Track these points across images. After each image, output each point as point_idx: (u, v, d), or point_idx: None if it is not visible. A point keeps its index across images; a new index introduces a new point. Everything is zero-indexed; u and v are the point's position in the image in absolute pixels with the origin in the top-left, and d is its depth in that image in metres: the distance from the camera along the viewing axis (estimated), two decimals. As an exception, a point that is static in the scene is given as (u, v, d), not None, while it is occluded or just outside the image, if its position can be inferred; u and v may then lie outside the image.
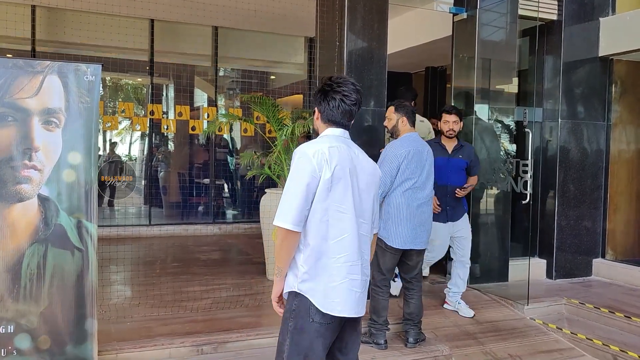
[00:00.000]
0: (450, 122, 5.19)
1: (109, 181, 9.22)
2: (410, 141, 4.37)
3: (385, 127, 4.72)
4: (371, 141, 5.33)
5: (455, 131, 5.21)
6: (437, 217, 4.96)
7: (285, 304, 2.65)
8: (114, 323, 4.50)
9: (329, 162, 2.52)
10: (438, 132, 6.81)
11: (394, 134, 4.50)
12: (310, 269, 2.53)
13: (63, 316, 3.50)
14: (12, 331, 3.39)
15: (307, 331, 2.54)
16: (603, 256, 6.81)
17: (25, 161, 3.38)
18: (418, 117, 6.85)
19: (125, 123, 9.63)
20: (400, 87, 6.86)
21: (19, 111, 3.36)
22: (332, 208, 2.53)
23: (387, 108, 4.92)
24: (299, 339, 2.55)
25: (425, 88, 9.83)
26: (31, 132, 3.38)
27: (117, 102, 9.56)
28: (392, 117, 4.49)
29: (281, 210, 2.49)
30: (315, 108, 2.72)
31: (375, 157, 4.39)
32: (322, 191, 2.50)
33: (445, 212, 5.17)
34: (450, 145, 5.24)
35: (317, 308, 2.53)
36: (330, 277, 2.54)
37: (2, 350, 3.38)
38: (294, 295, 2.58)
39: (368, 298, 3.95)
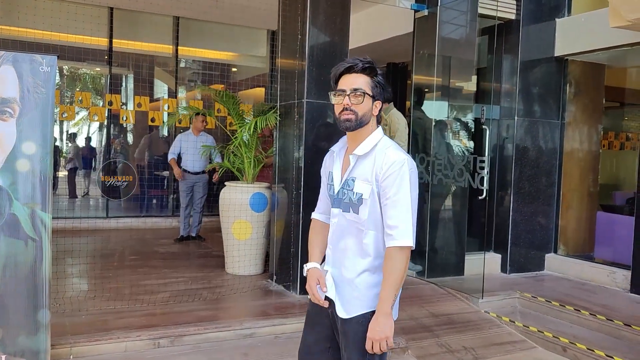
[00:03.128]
0: None
1: (108, 181, 9.08)
2: None
3: None
4: (331, 136, 5.35)
5: None
6: None
7: (357, 323, 2.33)
8: (69, 316, 4.42)
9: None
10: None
11: None
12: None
13: (16, 306, 3.44)
14: (-39, 322, 3.32)
15: None
16: (555, 251, 7.01)
17: (-22, 150, 3.30)
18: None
19: (82, 113, 9.43)
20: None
21: (-28, 100, 3.28)
22: None
23: None
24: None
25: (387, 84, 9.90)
26: (-16, 122, 3.30)
27: (74, 92, 9.35)
28: None
29: (407, 228, 2.21)
30: (379, 101, 2.36)
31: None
32: None
33: None
34: None
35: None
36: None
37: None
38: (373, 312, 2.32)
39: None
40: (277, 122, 5.70)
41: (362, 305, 2.33)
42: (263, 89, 10.18)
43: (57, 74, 9.35)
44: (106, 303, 4.81)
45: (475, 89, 6.74)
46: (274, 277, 5.72)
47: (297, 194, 5.33)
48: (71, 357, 3.89)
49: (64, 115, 8.91)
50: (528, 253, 6.84)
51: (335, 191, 2.39)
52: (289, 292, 5.44)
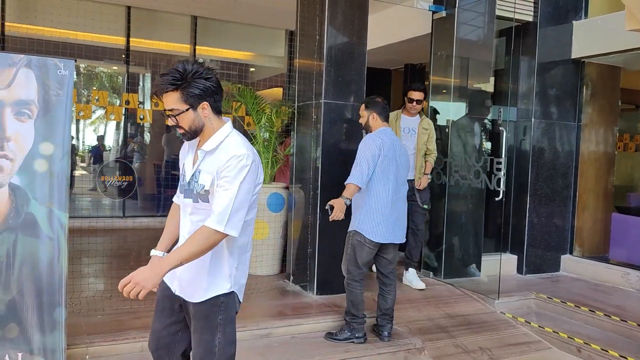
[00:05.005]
0: None
1: (109, 181, 9.13)
2: (385, 135, 4.41)
3: (360, 123, 4.75)
4: (349, 136, 5.37)
5: None
6: None
7: (205, 305, 2.46)
8: (85, 316, 4.42)
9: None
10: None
11: (367, 131, 4.57)
12: (238, 265, 2.51)
13: (32, 304, 3.45)
14: (-22, 319, 3.35)
15: (233, 320, 2.54)
16: (571, 252, 6.99)
17: (-4, 151, 3.35)
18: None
19: (99, 112, 9.49)
20: (378, 83, 6.91)
21: (-9, 102, 3.32)
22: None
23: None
24: (231, 329, 2.51)
25: (404, 85, 9.90)
26: (3, 123, 3.34)
27: (91, 90, 9.42)
28: (364, 115, 4.56)
29: (224, 215, 2.34)
30: (205, 101, 2.40)
31: (354, 151, 4.43)
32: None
33: None
34: None
35: (239, 300, 2.55)
36: (246, 271, 2.57)
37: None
38: (225, 295, 2.48)
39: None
40: (295, 122, 5.73)
41: (216, 288, 2.44)
42: (281, 89, 10.18)
43: (74, 75, 9.46)
44: (122, 303, 4.77)
45: (492, 91, 6.72)
46: (291, 278, 5.74)
47: (315, 195, 5.35)
48: (87, 357, 3.89)
49: (80, 114, 8.97)
50: (544, 254, 6.83)
51: (187, 182, 2.49)
52: (305, 293, 5.46)
